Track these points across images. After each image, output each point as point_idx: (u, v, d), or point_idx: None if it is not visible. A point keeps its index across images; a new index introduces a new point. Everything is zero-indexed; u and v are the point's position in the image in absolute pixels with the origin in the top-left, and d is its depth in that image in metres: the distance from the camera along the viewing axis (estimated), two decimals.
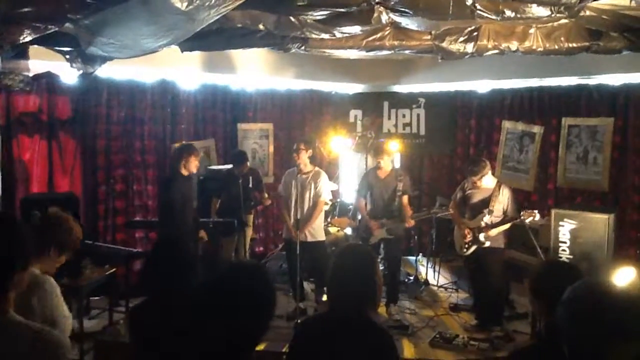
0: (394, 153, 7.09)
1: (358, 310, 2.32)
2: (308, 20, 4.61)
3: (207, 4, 3.39)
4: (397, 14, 4.35)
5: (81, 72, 5.25)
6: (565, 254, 5.77)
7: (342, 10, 4.27)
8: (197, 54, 6.43)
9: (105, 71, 6.11)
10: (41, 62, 5.63)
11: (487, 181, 5.70)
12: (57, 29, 3.59)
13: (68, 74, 6.14)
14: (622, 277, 5.01)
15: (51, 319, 2.47)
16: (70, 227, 2.76)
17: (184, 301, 2.33)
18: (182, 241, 2.59)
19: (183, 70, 7.01)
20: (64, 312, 2.57)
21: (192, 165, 5.97)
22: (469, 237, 5.69)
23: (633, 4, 3.91)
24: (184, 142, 7.09)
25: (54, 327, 2.41)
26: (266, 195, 7.04)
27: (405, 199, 6.23)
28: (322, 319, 2.51)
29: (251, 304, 1.72)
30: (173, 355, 1.98)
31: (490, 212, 5.58)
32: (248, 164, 6.81)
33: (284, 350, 4.64)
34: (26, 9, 3.31)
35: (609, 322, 1.57)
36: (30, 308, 2.42)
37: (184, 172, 5.95)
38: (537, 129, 7.68)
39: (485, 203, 5.63)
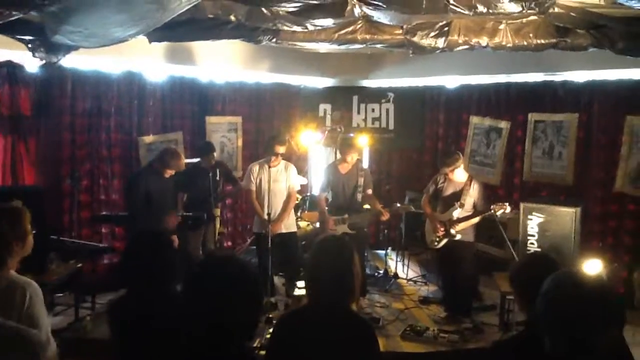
0: (361, 148, 7.10)
1: (337, 301, 2.31)
2: (280, 12, 4.56)
3: None
4: (370, 7, 4.32)
5: (44, 61, 5.08)
6: (533, 247, 5.90)
7: (315, 2, 4.23)
8: (164, 45, 6.30)
9: (70, 61, 5.93)
10: (0, 50, 5.44)
11: (460, 175, 5.76)
12: (21, 15, 3.45)
13: (30, 63, 5.94)
14: (589, 268, 5.14)
15: (37, 321, 2.38)
16: (19, 213, 2.57)
17: (167, 294, 2.27)
18: (163, 233, 2.52)
19: (150, 62, 6.85)
20: (45, 316, 2.49)
21: (172, 171, 5.88)
22: (441, 231, 5.74)
23: (602, 2, 3.97)
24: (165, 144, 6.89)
25: (38, 328, 2.32)
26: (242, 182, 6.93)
27: (369, 191, 6.24)
28: (302, 311, 2.48)
29: (240, 293, 1.69)
30: (157, 350, 1.93)
31: (462, 206, 5.64)
32: (215, 154, 6.72)
33: (255, 345, 4.60)
34: None
35: (585, 310, 1.60)
36: (13, 308, 2.31)
37: (161, 171, 5.83)
38: (504, 124, 7.80)
39: (457, 197, 5.69)
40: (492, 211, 5.51)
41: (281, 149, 6.07)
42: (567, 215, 5.78)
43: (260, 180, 6.10)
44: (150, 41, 5.13)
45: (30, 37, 4.73)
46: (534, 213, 5.92)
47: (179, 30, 4.85)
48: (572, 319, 1.62)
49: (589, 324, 1.60)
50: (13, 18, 3.43)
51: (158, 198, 5.76)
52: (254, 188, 6.15)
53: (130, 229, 6.40)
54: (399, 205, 6.71)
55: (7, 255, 2.32)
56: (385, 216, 6.13)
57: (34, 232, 2.61)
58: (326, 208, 6.31)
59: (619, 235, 6.66)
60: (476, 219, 5.68)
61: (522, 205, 6.10)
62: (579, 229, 5.82)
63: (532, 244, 5.89)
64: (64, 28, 3.69)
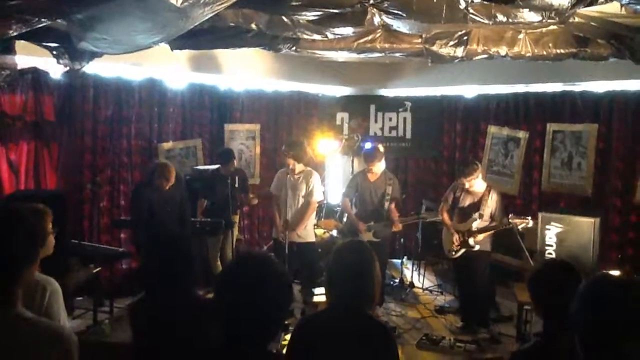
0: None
1: (357, 306, 2.31)
2: (301, 21, 4.60)
3: (201, 1, 3.36)
4: (390, 16, 4.35)
5: (68, 68, 5.17)
6: (551, 257, 5.84)
7: (335, 11, 4.26)
8: (185, 53, 6.36)
9: (92, 68, 6.01)
10: (26, 57, 5.52)
11: (478, 185, 5.75)
12: (49, 22, 3.53)
13: (55, 70, 6.04)
14: None
15: (56, 318, 2.42)
16: (41, 213, 2.65)
17: (186, 296, 2.30)
18: (183, 236, 2.56)
19: (171, 69, 6.95)
20: (64, 314, 2.54)
21: (164, 185, 5.77)
22: (459, 241, 5.72)
23: (623, 11, 3.96)
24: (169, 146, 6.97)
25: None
26: (251, 195, 7.00)
27: (393, 204, 6.25)
28: (321, 315, 2.50)
29: (271, 293, 1.72)
30: (177, 351, 1.95)
31: (481, 216, 5.62)
32: (235, 162, 6.77)
33: (273, 351, 4.61)
34: (17, 1, 3.24)
35: (627, 310, 1.55)
36: (33, 305, 2.35)
37: (155, 184, 5.76)
38: (522, 134, 7.76)
39: (475, 207, 5.68)
40: (513, 224, 5.47)
41: (288, 152, 6.10)
42: (586, 226, 5.73)
43: (282, 187, 6.19)
44: (172, 49, 5.20)
45: (55, 44, 4.82)
46: (552, 223, 5.88)
47: (200, 38, 4.93)
48: (608, 318, 1.57)
49: (625, 324, 1.55)
50: (40, 25, 3.51)
51: (158, 211, 5.75)
52: (275, 193, 6.28)
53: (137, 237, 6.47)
54: (413, 214, 6.74)
55: (36, 255, 2.38)
56: (397, 228, 6.19)
57: (55, 234, 2.67)
58: (353, 212, 6.33)
59: (638, 247, 6.59)
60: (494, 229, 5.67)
61: (540, 215, 6.05)
62: (598, 239, 5.77)
63: (550, 254, 5.84)
64: (90, 35, 3.76)
